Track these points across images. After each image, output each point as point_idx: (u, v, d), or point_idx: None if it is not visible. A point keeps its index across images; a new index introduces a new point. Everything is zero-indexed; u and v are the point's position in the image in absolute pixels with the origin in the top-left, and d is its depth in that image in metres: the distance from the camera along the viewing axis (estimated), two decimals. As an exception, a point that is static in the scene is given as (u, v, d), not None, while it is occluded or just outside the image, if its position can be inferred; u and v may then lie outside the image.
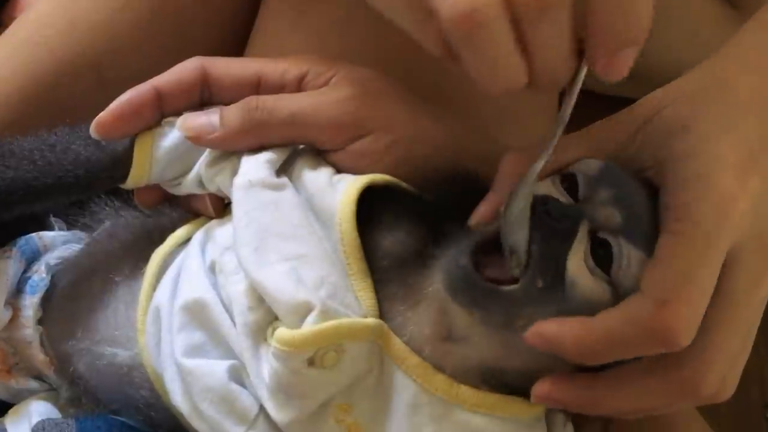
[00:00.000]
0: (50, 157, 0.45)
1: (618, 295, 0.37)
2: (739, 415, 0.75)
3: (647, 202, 0.38)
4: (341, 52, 0.52)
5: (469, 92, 0.53)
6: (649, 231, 0.37)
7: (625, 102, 0.83)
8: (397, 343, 0.39)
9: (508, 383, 0.40)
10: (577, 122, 0.77)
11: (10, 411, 0.48)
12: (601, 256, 0.37)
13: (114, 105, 0.44)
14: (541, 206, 0.37)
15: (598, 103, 0.81)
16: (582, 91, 0.83)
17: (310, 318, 0.38)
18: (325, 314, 0.38)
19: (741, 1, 0.76)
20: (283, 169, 0.43)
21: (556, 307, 0.37)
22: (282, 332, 0.38)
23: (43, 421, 0.45)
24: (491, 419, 0.39)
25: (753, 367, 0.77)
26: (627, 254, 0.37)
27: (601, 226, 0.38)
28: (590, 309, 0.36)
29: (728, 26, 0.75)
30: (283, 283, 0.38)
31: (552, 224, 0.37)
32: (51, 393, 0.49)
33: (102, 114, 0.44)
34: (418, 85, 0.48)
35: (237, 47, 0.58)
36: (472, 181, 0.42)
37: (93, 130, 0.44)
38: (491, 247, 0.37)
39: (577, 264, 0.37)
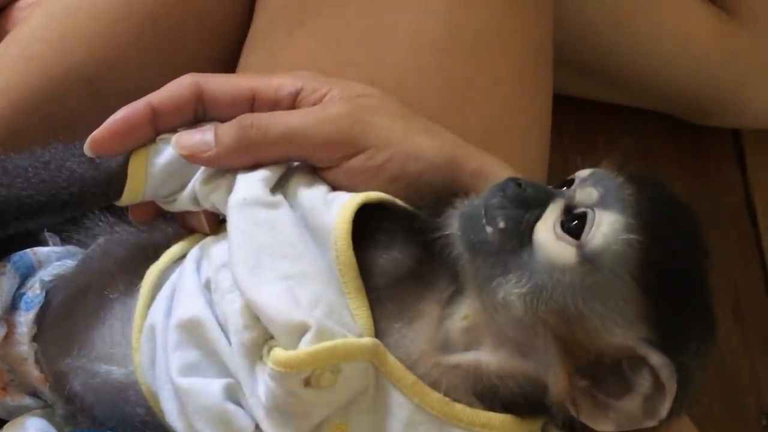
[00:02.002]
0: (44, 174, 0.45)
1: (585, 256, 0.37)
2: (735, 424, 0.75)
3: (626, 186, 0.39)
4: (335, 67, 0.52)
5: (462, 107, 0.53)
6: (625, 198, 0.38)
7: (620, 109, 0.83)
8: (393, 362, 0.39)
9: (501, 399, 0.40)
10: (571, 128, 0.77)
11: (5, 427, 0.48)
12: (576, 225, 0.38)
13: (108, 122, 0.44)
14: (513, 181, 0.40)
15: (591, 110, 0.82)
16: (577, 99, 0.83)
17: (306, 338, 0.37)
18: (321, 334, 0.38)
19: (737, 11, 0.76)
20: (278, 186, 0.43)
21: (528, 271, 0.38)
22: (277, 353, 0.38)
23: (39, 435, 0.45)
24: None
25: (748, 375, 0.78)
26: (599, 218, 0.38)
27: (580, 203, 0.39)
28: (556, 271, 0.38)
29: (723, 36, 0.75)
30: (279, 303, 0.38)
31: (521, 194, 0.39)
32: (46, 410, 0.49)
33: (96, 131, 0.43)
34: (412, 100, 0.48)
35: (230, 61, 0.58)
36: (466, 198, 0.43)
37: (87, 147, 0.43)
38: None
39: (545, 231, 0.39)
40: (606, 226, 0.38)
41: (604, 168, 0.41)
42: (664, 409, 0.37)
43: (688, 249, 0.39)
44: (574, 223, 0.38)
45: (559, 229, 0.38)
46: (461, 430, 0.39)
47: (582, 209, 0.39)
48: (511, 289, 0.38)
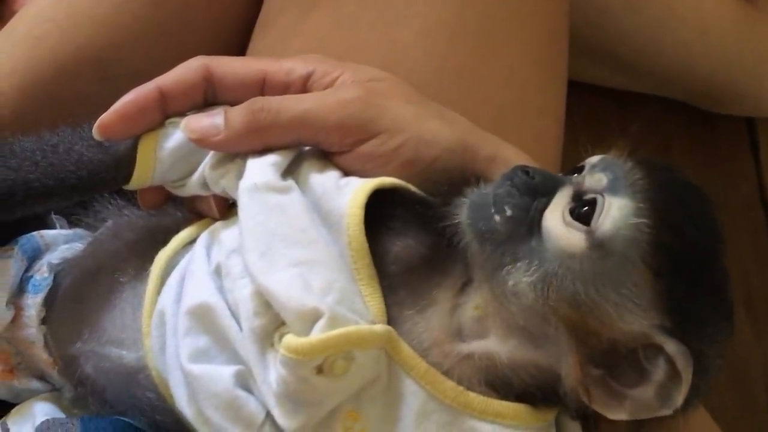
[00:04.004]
0: (52, 158, 0.44)
1: (595, 242, 0.37)
2: (746, 414, 0.75)
3: (636, 171, 0.39)
4: (346, 50, 0.52)
5: (475, 92, 0.53)
6: (635, 183, 0.38)
7: (634, 96, 0.83)
8: (406, 350, 0.39)
9: (514, 389, 0.39)
10: (585, 115, 0.76)
11: (13, 411, 0.48)
12: (586, 211, 0.38)
13: (116, 106, 0.43)
14: (521, 169, 0.40)
15: (605, 97, 0.81)
16: (591, 85, 0.83)
17: (319, 325, 0.37)
18: (334, 321, 0.37)
19: None
20: (289, 171, 0.43)
21: (538, 258, 0.38)
22: (290, 339, 0.37)
23: (47, 420, 0.45)
24: (500, 427, 0.39)
25: (759, 368, 0.78)
26: (608, 203, 0.38)
27: (589, 189, 0.39)
28: (566, 258, 0.37)
29: (742, 23, 0.74)
30: (291, 289, 0.38)
31: (528, 182, 0.39)
32: (54, 393, 0.49)
33: (104, 115, 0.43)
34: (424, 85, 0.47)
35: (240, 43, 0.57)
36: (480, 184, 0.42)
37: (95, 131, 0.43)
38: None
39: (554, 218, 0.38)
40: (615, 211, 0.37)
41: (614, 154, 0.40)
42: (680, 398, 0.37)
43: (700, 232, 0.38)
44: (583, 210, 0.38)
45: (568, 216, 0.38)
46: (474, 420, 0.39)
47: (591, 195, 0.38)
48: (521, 277, 0.38)
